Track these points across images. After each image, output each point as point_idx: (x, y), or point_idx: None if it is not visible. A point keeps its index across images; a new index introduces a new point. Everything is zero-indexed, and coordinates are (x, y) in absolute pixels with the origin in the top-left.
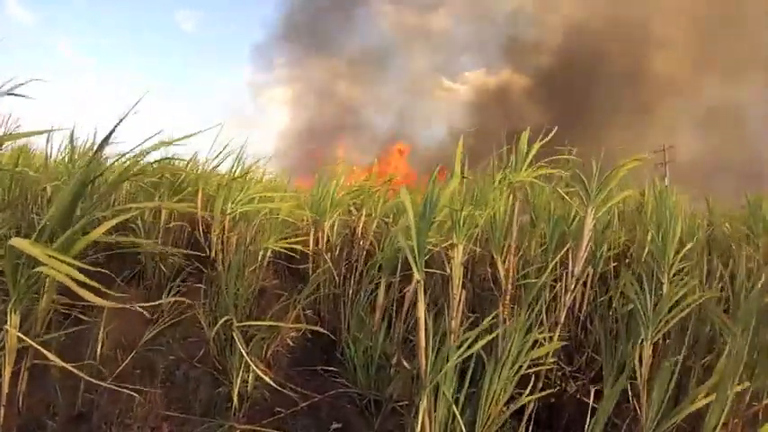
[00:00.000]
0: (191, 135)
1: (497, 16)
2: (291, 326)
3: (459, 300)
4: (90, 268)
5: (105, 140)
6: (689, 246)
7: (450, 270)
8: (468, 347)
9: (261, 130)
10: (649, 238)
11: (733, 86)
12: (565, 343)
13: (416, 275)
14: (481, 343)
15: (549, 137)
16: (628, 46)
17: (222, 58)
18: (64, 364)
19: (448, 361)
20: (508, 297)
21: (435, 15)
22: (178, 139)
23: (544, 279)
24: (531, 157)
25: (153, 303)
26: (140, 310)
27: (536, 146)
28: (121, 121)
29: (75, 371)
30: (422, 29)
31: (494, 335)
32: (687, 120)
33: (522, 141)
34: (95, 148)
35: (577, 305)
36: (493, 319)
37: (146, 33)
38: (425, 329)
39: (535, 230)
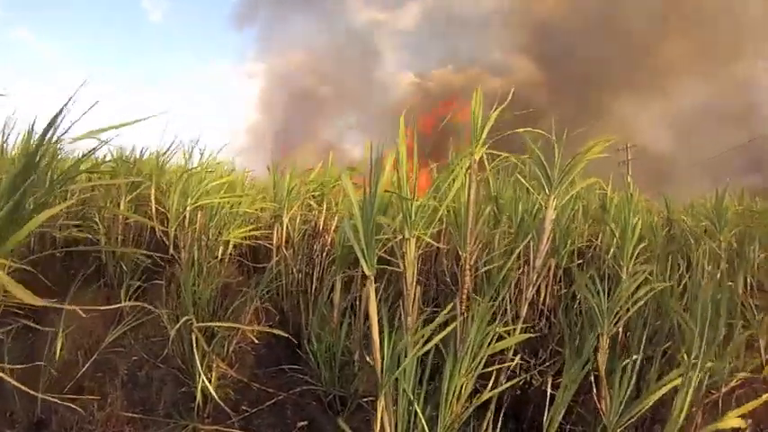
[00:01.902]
0: (125, 124)
1: (468, 15)
2: (247, 327)
3: (414, 296)
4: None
5: (50, 126)
6: (643, 244)
7: (404, 265)
8: (426, 343)
9: (228, 124)
10: (609, 232)
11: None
12: (529, 335)
13: (366, 271)
14: (437, 338)
15: (504, 105)
16: (602, 46)
17: (192, 49)
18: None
19: (406, 357)
20: (466, 290)
21: (404, 12)
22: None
23: (505, 272)
24: (486, 129)
25: (112, 307)
26: (98, 311)
27: (493, 115)
28: (84, 114)
29: (19, 386)
30: (391, 25)
31: (449, 329)
32: (657, 119)
33: (476, 110)
34: (47, 137)
35: (542, 299)
36: (450, 313)
37: (113, 26)
38: (380, 326)
39: (500, 223)
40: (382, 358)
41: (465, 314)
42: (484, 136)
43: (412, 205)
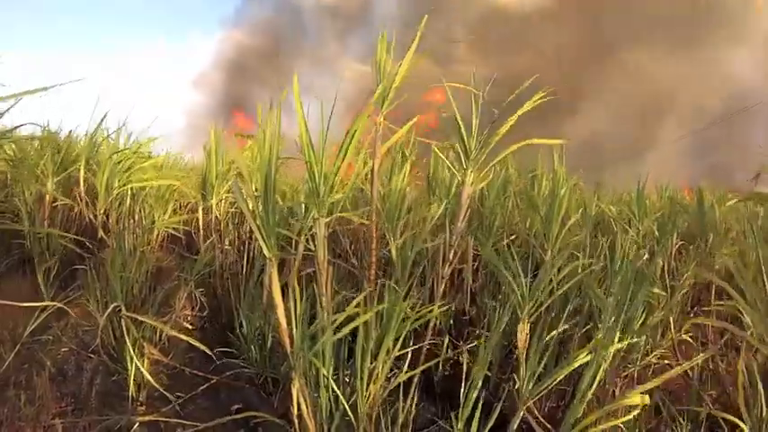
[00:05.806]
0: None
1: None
2: (171, 331)
3: (327, 276)
4: None
5: None
6: (572, 221)
7: (315, 247)
8: (342, 325)
9: (167, 102)
10: (536, 214)
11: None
12: (442, 310)
13: (265, 252)
14: (360, 320)
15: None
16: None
17: (130, 26)
18: None
19: (319, 340)
20: (373, 270)
21: None
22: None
23: (422, 250)
24: (398, 77)
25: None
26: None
27: (405, 63)
28: None
29: None
30: (335, 8)
31: (371, 312)
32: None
33: (380, 49)
34: None
35: (469, 280)
36: (363, 294)
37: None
38: (287, 309)
39: (431, 203)
40: (292, 340)
41: (374, 294)
42: (394, 85)
43: (320, 181)
